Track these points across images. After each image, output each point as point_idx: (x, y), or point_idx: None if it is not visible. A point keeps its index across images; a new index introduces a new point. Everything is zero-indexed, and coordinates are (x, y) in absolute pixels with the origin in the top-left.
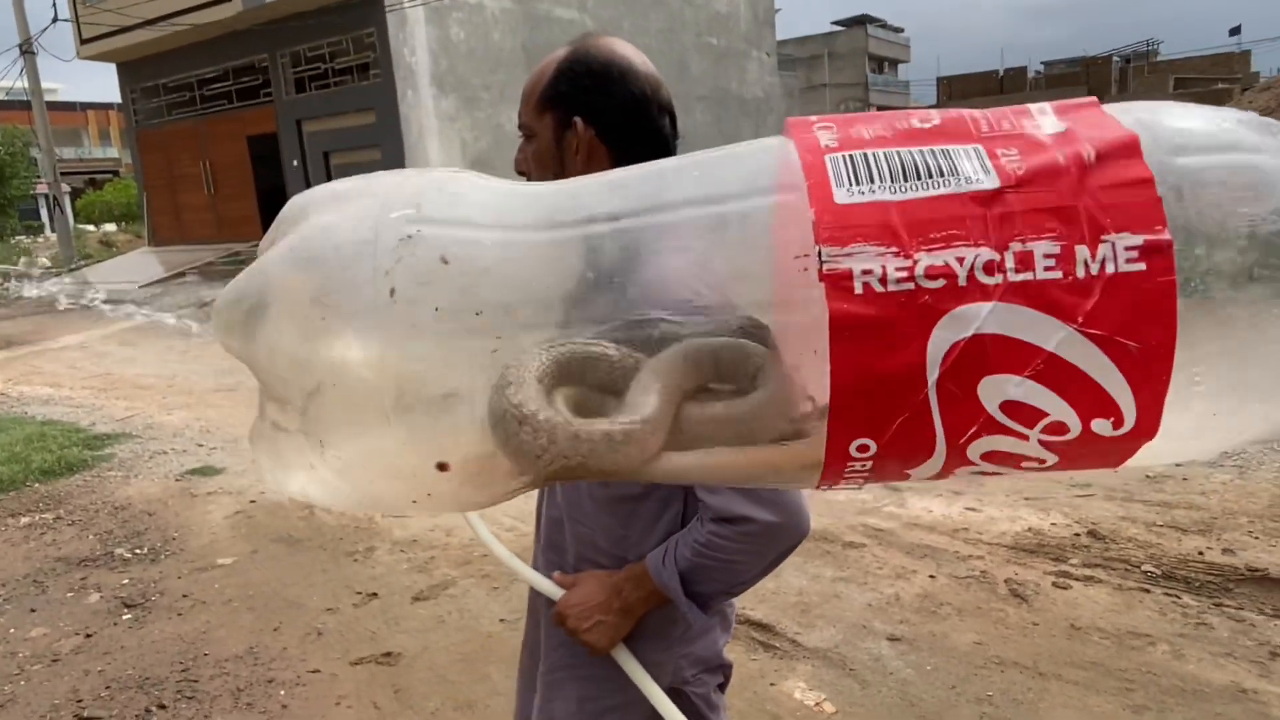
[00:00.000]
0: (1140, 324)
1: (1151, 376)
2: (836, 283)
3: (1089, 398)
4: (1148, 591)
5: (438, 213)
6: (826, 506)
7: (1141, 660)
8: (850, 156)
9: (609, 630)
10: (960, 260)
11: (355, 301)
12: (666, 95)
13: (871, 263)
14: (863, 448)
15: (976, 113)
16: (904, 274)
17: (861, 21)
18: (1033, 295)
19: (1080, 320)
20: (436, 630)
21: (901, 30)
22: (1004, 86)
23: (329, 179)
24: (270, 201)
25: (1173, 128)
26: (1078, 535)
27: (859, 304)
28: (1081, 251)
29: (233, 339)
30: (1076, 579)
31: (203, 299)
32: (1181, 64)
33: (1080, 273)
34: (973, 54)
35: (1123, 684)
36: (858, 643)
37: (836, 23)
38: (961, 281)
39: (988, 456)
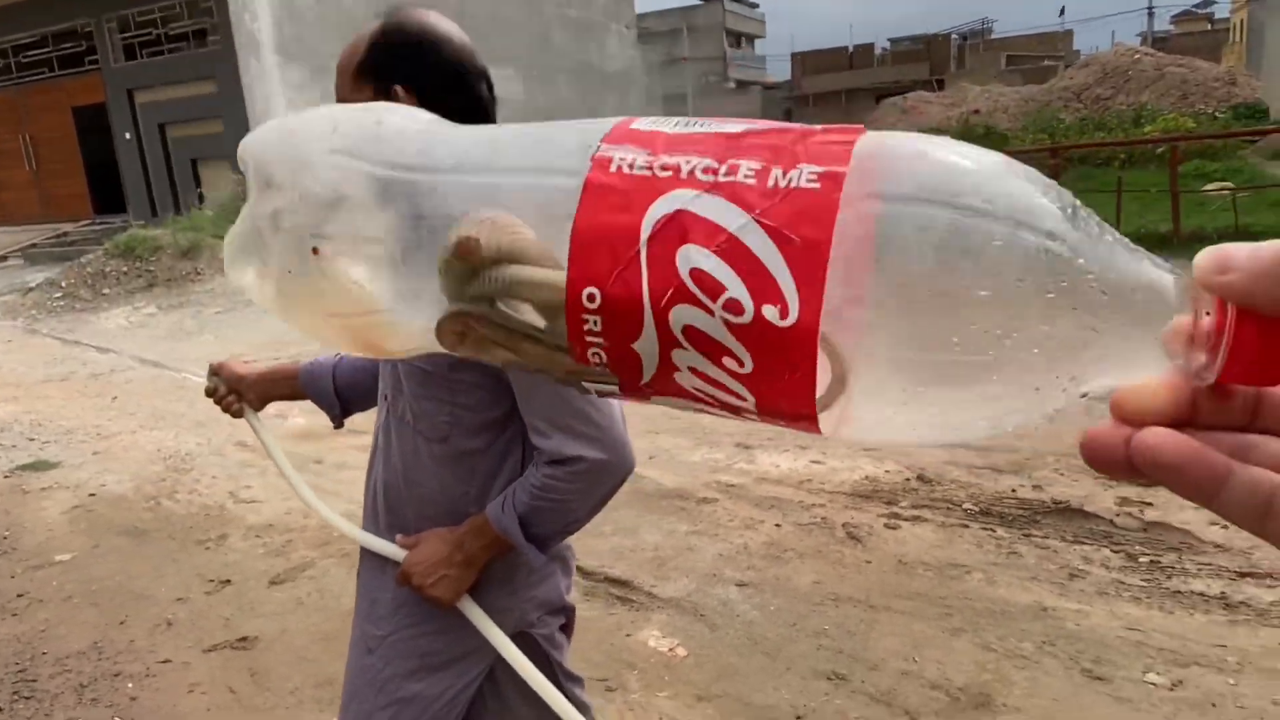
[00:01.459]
0: (804, 224)
1: (810, 271)
2: (600, 163)
3: (759, 281)
4: (967, 527)
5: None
6: (685, 468)
7: (959, 588)
8: (662, 118)
9: (453, 583)
10: (688, 162)
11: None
12: (482, 63)
13: (629, 154)
14: (591, 297)
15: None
16: (646, 164)
17: None
18: (730, 192)
19: (758, 212)
20: (295, 612)
21: (757, 6)
22: (853, 62)
23: (165, 153)
24: (101, 177)
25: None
26: (908, 480)
27: (609, 177)
28: (776, 171)
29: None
30: (905, 519)
31: (28, 284)
32: (1012, 42)
33: (770, 183)
34: (825, 30)
35: (943, 610)
36: (709, 590)
37: None
38: (684, 175)
39: (689, 334)
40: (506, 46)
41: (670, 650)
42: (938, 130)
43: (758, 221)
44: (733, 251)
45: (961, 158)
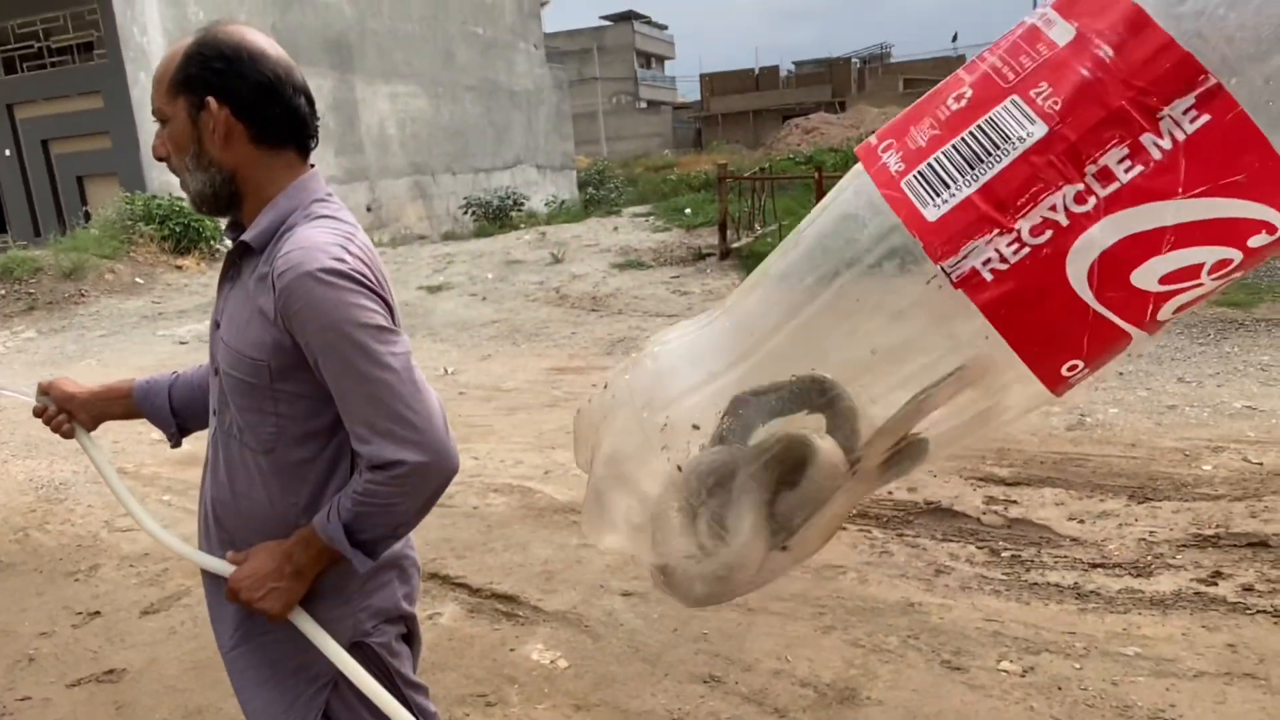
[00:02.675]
0: (1236, 161)
1: (1275, 184)
2: (969, 282)
3: (1233, 231)
4: (845, 529)
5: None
6: (580, 482)
7: (833, 587)
8: (920, 173)
9: (283, 595)
10: (1053, 209)
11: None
12: (300, 77)
13: (986, 252)
14: (1072, 368)
15: (997, 59)
16: (1015, 245)
17: (628, 18)
18: (1130, 196)
19: (1181, 190)
20: (167, 642)
21: (666, 28)
22: (759, 84)
23: (49, 170)
24: None
25: None
26: None
27: (994, 287)
28: (1148, 139)
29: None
30: None
31: None
32: (910, 66)
33: (1157, 155)
34: (731, 52)
35: (816, 609)
36: (594, 601)
37: (604, 18)
38: (1064, 222)
39: (1182, 308)
40: (409, 63)
41: (552, 662)
42: (835, 150)
43: (1189, 199)
44: (1187, 236)
45: None
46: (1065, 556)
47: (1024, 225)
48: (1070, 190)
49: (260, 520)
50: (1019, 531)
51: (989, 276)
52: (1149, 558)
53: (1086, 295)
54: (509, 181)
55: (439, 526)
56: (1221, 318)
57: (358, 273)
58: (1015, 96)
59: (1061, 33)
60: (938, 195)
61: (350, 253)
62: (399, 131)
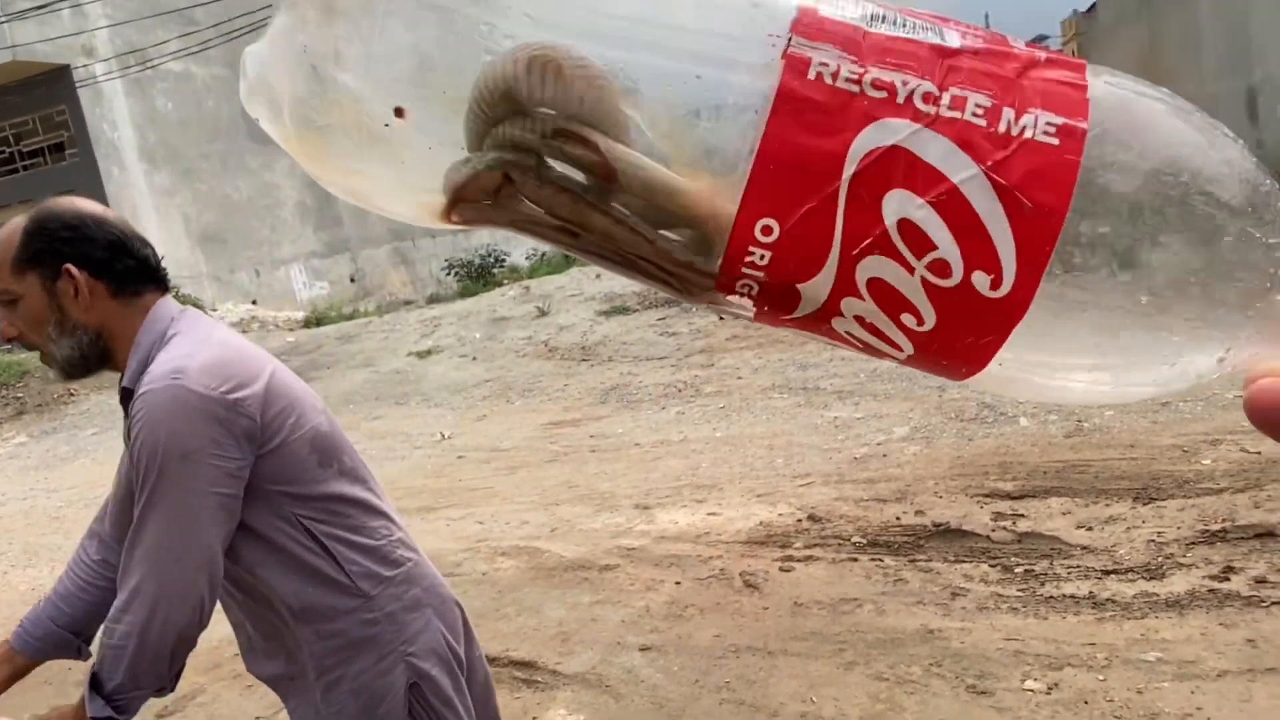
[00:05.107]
0: (1040, 187)
1: (1036, 242)
2: (795, 64)
3: (977, 245)
4: (856, 560)
5: None
6: (586, 536)
7: (851, 622)
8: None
9: None
10: (904, 83)
11: None
12: (138, 231)
13: (830, 58)
14: (766, 229)
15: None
16: (854, 76)
17: None
18: (957, 132)
19: (989, 164)
20: None
21: None
22: None
23: None
24: None
25: (1118, 74)
26: (799, 521)
27: (809, 87)
28: (1008, 113)
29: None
30: (798, 560)
31: None
32: None
33: (1002, 128)
34: None
35: (836, 646)
36: (613, 659)
37: None
38: (900, 99)
39: (874, 287)
40: None
41: None
42: None
43: (988, 176)
44: (952, 206)
45: (1190, 132)
46: (1078, 566)
47: (873, 72)
48: (927, 86)
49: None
50: (1030, 545)
51: (813, 75)
52: (1160, 559)
53: (849, 168)
54: (488, 239)
55: None
56: None
57: (194, 389)
58: (955, 30)
59: (1019, 44)
60: (843, 9)
61: (196, 365)
62: None
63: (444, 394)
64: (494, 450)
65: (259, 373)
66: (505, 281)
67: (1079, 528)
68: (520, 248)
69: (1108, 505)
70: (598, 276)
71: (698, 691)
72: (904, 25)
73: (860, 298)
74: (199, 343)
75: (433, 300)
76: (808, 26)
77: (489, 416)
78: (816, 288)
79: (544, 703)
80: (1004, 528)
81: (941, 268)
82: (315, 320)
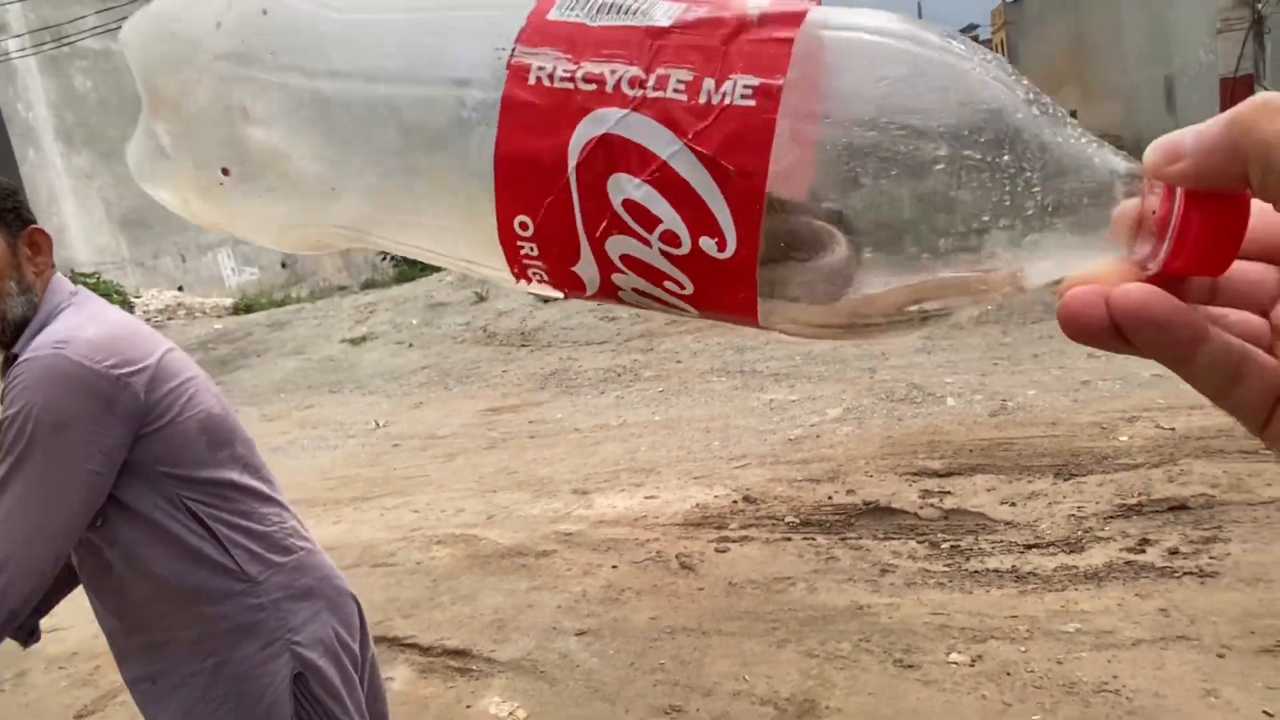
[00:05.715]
0: (739, 151)
1: (747, 203)
2: (517, 72)
3: (695, 212)
4: (790, 540)
5: None
6: (524, 523)
7: (784, 600)
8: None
9: None
10: (613, 72)
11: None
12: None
13: (548, 62)
14: (523, 225)
15: None
16: (568, 75)
17: None
18: (660, 111)
19: (691, 136)
20: None
21: None
22: None
23: None
24: None
25: (838, 12)
26: (735, 502)
27: (529, 92)
28: (708, 83)
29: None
30: (734, 541)
31: None
32: None
33: (703, 100)
34: None
35: (769, 625)
36: (549, 645)
37: None
38: (609, 89)
39: (627, 262)
40: None
41: (510, 714)
42: None
43: (690, 148)
44: (666, 181)
45: (915, 60)
46: (1001, 541)
47: (585, 66)
48: (634, 71)
49: None
50: (956, 521)
51: (532, 80)
52: (1079, 533)
53: (572, 159)
54: None
55: (383, 587)
56: None
57: (75, 359)
58: (685, 3)
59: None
60: (572, 10)
61: (83, 338)
62: None
63: (379, 381)
64: (430, 438)
65: (149, 352)
66: (443, 267)
67: (1003, 504)
68: None
69: (1030, 482)
70: None
71: (633, 674)
72: (625, 11)
73: (623, 272)
74: (89, 317)
75: (368, 286)
76: (531, 34)
77: (426, 404)
78: (586, 269)
79: (478, 691)
80: (931, 505)
81: (671, 238)
82: (244, 307)
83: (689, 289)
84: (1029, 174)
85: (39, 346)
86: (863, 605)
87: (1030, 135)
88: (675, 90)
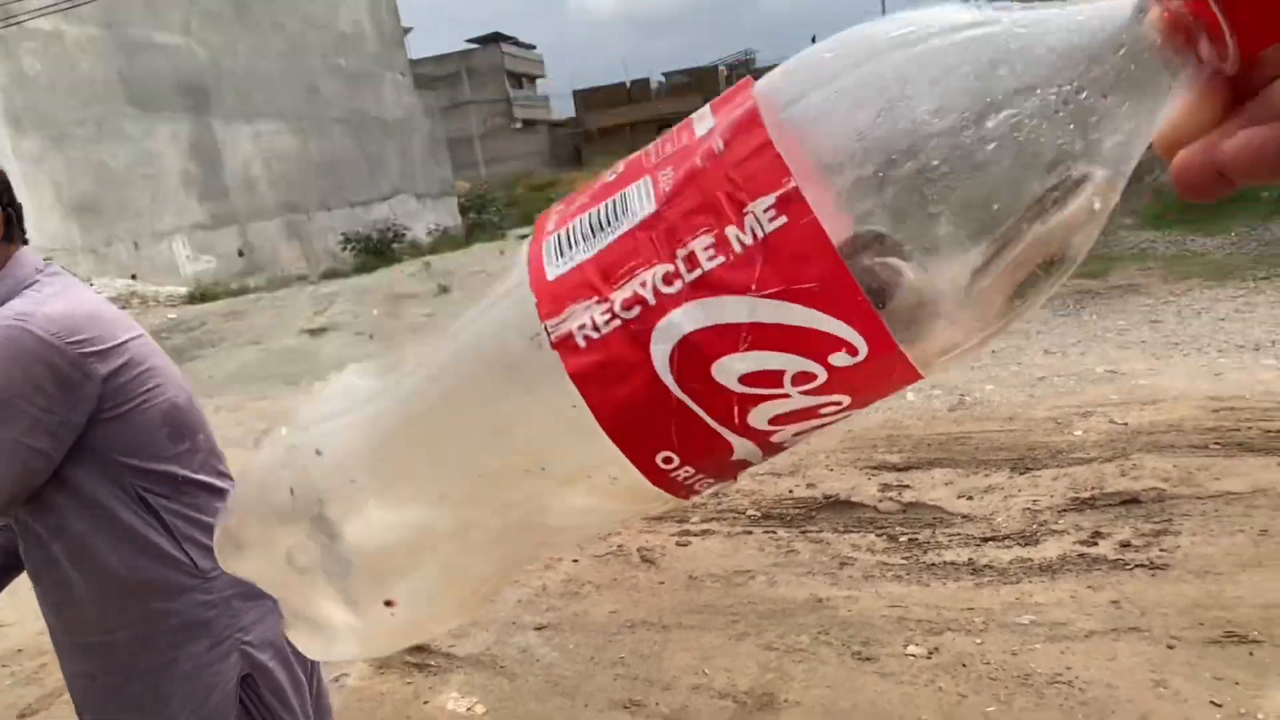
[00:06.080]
0: (806, 266)
1: (848, 303)
2: (565, 344)
3: (809, 344)
4: (751, 533)
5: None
6: None
7: (744, 593)
8: (558, 235)
9: None
10: (644, 284)
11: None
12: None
13: (582, 317)
14: (667, 460)
15: (653, 145)
16: (608, 315)
17: (494, 39)
18: (709, 286)
19: (755, 288)
20: None
21: (534, 47)
22: (631, 96)
23: None
24: None
25: (781, 82)
26: None
27: (585, 354)
28: (731, 231)
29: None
30: (695, 534)
31: None
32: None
33: (738, 249)
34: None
35: (729, 618)
36: (508, 640)
37: (470, 41)
38: (651, 301)
39: (778, 420)
40: (271, 100)
41: (469, 710)
42: None
43: (762, 298)
44: (763, 338)
45: (874, 82)
46: (959, 534)
47: (618, 297)
48: (660, 270)
49: None
50: (914, 515)
51: (582, 343)
52: (1034, 526)
53: (669, 380)
54: (388, 213)
55: None
56: (1079, 288)
57: (34, 332)
58: (647, 177)
59: (703, 125)
60: (561, 257)
61: (44, 313)
62: (266, 171)
63: (337, 374)
64: None
65: (115, 335)
66: (405, 258)
67: (960, 497)
68: (421, 223)
69: (987, 475)
70: (501, 252)
71: (592, 668)
72: (608, 225)
73: (778, 429)
74: (57, 294)
75: (328, 276)
76: (548, 304)
77: None
78: (743, 450)
79: (436, 687)
80: (890, 498)
81: (803, 378)
82: (200, 296)
83: (845, 401)
84: (1057, 91)
85: None
86: (822, 598)
87: (1029, 54)
88: (709, 259)
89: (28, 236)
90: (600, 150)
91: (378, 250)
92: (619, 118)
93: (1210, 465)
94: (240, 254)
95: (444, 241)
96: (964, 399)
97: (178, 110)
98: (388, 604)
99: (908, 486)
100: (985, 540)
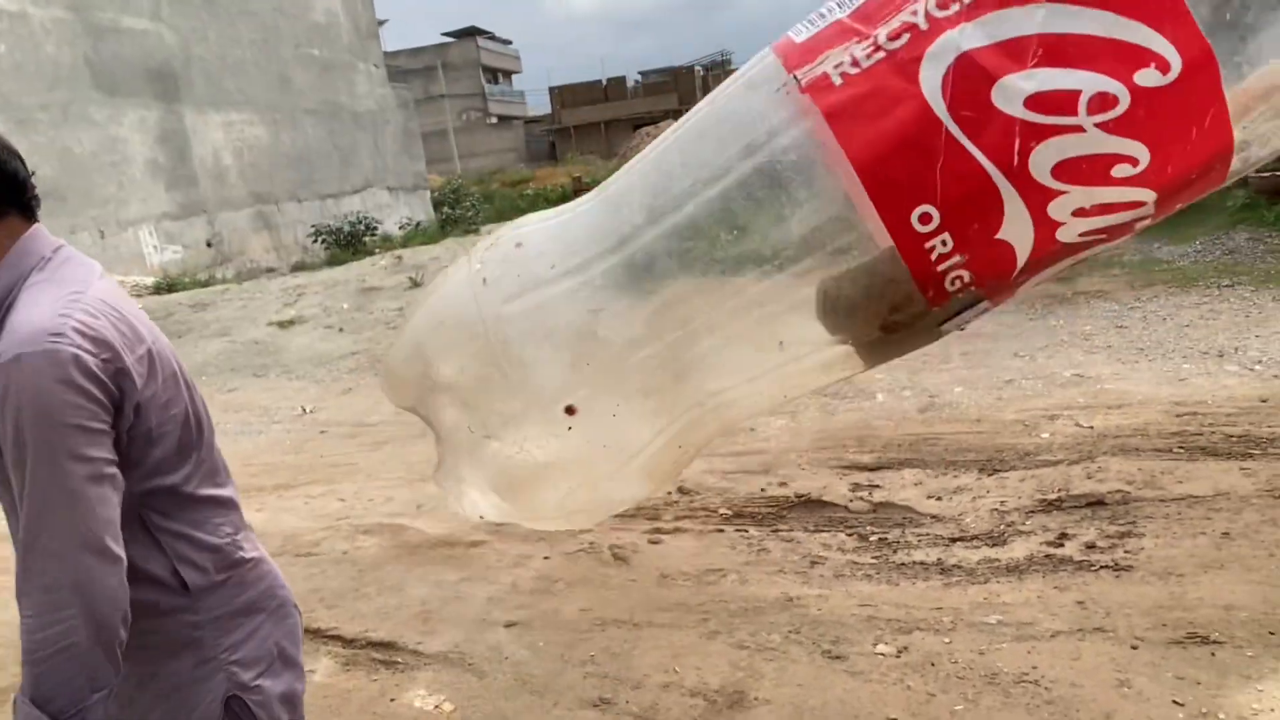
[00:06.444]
0: None
1: (1164, 5)
2: (816, 87)
3: (1111, 56)
4: (722, 531)
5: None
6: (451, 513)
7: (715, 592)
8: (809, 18)
9: None
10: (914, 13)
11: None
12: (6, 141)
13: (839, 56)
14: (925, 217)
15: None
16: (870, 48)
17: (471, 33)
18: (994, 3)
19: None
20: None
21: (510, 43)
22: (608, 95)
23: None
24: None
25: None
26: (669, 493)
27: (843, 91)
28: None
29: (405, 394)
30: (667, 532)
31: None
32: None
33: None
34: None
35: (700, 616)
36: (477, 637)
37: (446, 34)
38: (923, 26)
39: (1063, 172)
40: (242, 89)
41: (436, 708)
42: None
43: (1061, 3)
44: (1057, 50)
45: None
46: (928, 534)
47: (882, 31)
48: None
49: None
50: (884, 514)
51: (838, 80)
52: (1002, 526)
53: (939, 108)
54: (359, 206)
55: (305, 577)
56: (1047, 293)
57: (74, 353)
58: None
59: None
60: (813, 24)
61: (73, 327)
62: (236, 161)
63: (307, 366)
64: (359, 425)
65: (141, 341)
66: (376, 250)
67: (929, 498)
68: (393, 216)
69: (956, 476)
70: (475, 244)
71: (562, 666)
72: None
73: (1060, 192)
74: (73, 300)
75: (298, 268)
76: (799, 56)
77: (355, 390)
78: (1014, 220)
79: (403, 684)
80: (861, 498)
81: (1102, 101)
82: (167, 286)
83: (1144, 159)
84: None
85: (27, 338)
86: (793, 597)
87: None
88: None
89: (35, 212)
90: (575, 147)
91: (348, 243)
92: (595, 115)
93: (1174, 469)
94: (208, 244)
95: (416, 235)
96: (934, 400)
97: (146, 96)
98: (568, 411)
99: (878, 486)
100: (954, 540)
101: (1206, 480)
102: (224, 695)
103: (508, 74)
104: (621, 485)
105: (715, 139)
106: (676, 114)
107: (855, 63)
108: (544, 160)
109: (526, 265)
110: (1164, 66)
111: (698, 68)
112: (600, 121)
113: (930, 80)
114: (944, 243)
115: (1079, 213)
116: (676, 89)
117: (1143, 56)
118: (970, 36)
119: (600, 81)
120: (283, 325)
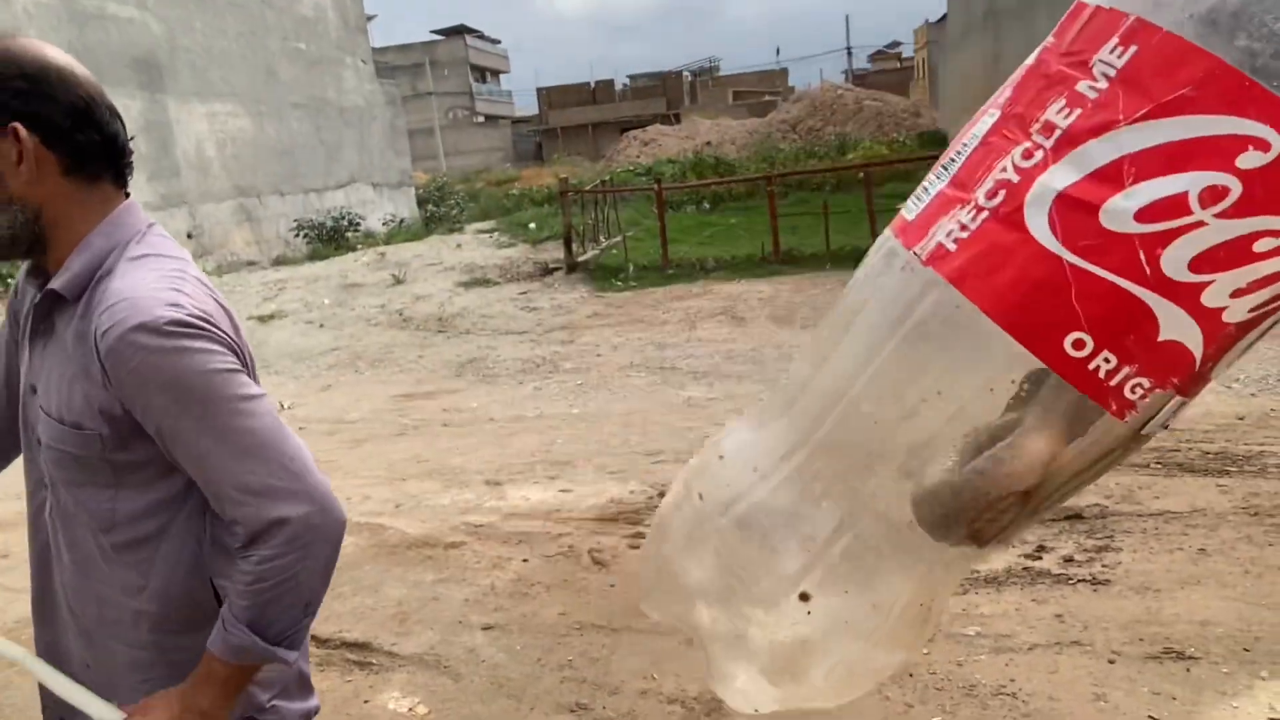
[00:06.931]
0: (1173, 76)
1: (1233, 91)
2: (935, 256)
3: (1206, 153)
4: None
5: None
6: (433, 513)
7: None
8: (916, 194)
9: None
10: (1003, 170)
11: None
12: (109, 99)
13: (948, 225)
14: (1078, 344)
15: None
16: (973, 211)
17: (459, 32)
18: (1072, 140)
19: (1122, 119)
20: None
21: (499, 42)
22: (595, 97)
23: None
24: None
25: None
26: (650, 498)
27: (958, 255)
28: (1082, 85)
29: (673, 608)
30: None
31: None
32: (737, 79)
33: (1093, 95)
34: (565, 65)
35: None
36: (454, 639)
37: (435, 32)
38: (1015, 179)
39: (1201, 265)
40: (227, 80)
41: (410, 710)
42: (673, 160)
43: (1135, 124)
44: (1148, 165)
45: None
46: None
47: (979, 193)
48: (1017, 150)
49: (112, 608)
50: None
51: (952, 246)
52: None
53: (1054, 246)
54: (343, 201)
55: None
56: None
57: (197, 318)
58: (992, 109)
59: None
60: (917, 202)
61: (185, 294)
62: (219, 153)
63: (286, 361)
64: (339, 422)
65: (238, 329)
66: (359, 246)
67: None
68: (377, 212)
69: None
70: (458, 246)
71: (539, 670)
72: (954, 158)
73: (1209, 283)
74: (181, 274)
75: (279, 262)
76: (912, 232)
77: (335, 386)
78: (1174, 321)
79: (377, 685)
80: None
81: (1212, 194)
82: None
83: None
84: None
85: (125, 305)
86: None
87: None
88: (1065, 118)
89: (127, 181)
90: (562, 148)
91: (331, 238)
92: (582, 117)
93: (1151, 484)
94: (190, 236)
95: (400, 232)
96: None
97: (130, 85)
98: (803, 597)
99: None
100: None
101: (1184, 496)
102: (239, 717)
103: (496, 73)
104: (877, 654)
105: (866, 327)
106: (664, 118)
107: (963, 227)
108: (530, 161)
109: (733, 474)
110: (1263, 146)
111: (686, 73)
112: (588, 124)
113: (1038, 225)
114: (1107, 360)
115: (1237, 294)
116: (665, 93)
117: (1238, 144)
118: (1061, 176)
119: (589, 84)
120: (263, 320)
